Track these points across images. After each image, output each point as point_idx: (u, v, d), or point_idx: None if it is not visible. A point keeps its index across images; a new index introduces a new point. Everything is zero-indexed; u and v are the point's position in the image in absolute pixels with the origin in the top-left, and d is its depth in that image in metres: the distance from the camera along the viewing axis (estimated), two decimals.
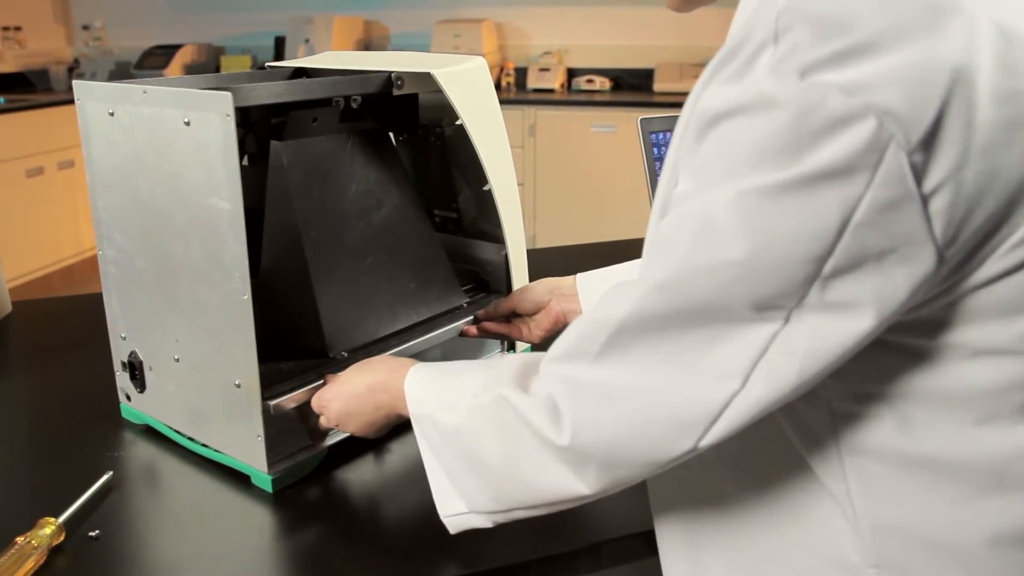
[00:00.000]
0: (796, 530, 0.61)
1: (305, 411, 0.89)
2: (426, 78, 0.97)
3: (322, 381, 0.89)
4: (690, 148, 0.53)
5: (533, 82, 4.06)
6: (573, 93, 4.05)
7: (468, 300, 1.12)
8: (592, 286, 1.02)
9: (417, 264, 1.06)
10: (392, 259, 1.03)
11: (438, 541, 0.76)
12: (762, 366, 0.53)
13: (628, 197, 3.59)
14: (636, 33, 4.12)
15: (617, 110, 3.70)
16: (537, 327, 1.05)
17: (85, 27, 4.78)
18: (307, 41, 4.10)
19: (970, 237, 0.49)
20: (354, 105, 0.99)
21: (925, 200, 0.47)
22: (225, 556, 0.79)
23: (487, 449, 0.66)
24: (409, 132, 1.16)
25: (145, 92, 0.85)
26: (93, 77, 4.27)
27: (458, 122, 1.00)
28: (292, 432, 0.90)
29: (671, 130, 1.57)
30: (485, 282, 1.18)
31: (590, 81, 4.07)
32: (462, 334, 1.07)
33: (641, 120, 1.55)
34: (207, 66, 4.52)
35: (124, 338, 0.99)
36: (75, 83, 0.93)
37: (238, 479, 0.89)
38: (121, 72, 4.43)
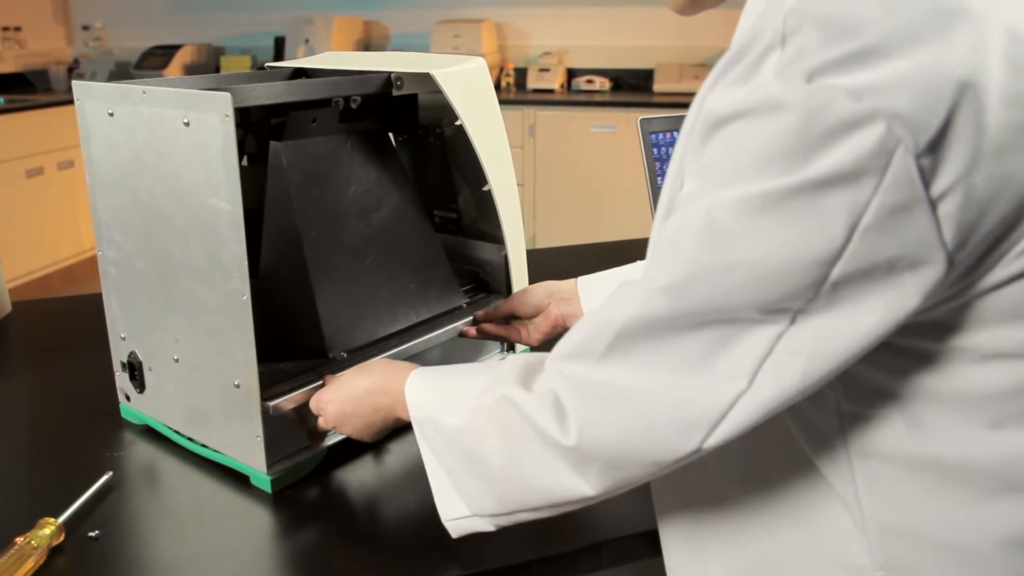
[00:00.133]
0: (802, 532, 0.61)
1: (304, 412, 0.89)
2: (426, 78, 0.97)
3: (321, 382, 0.89)
4: (695, 150, 0.53)
5: (533, 82, 4.06)
6: (573, 93, 4.05)
7: (468, 300, 1.12)
8: (593, 289, 1.02)
9: (417, 264, 1.06)
10: (392, 259, 1.03)
11: (438, 542, 0.76)
12: (768, 367, 0.52)
13: (628, 197, 3.59)
14: (636, 33, 4.12)
15: (617, 110, 3.70)
16: (536, 330, 1.05)
17: (85, 27, 4.78)
18: (307, 41, 4.10)
19: (980, 241, 0.49)
20: (354, 105, 0.99)
21: (934, 204, 0.47)
22: (225, 556, 0.79)
23: (490, 450, 0.65)
24: (409, 132, 1.16)
25: (145, 92, 0.85)
26: (93, 77, 4.27)
27: (458, 122, 1.00)
28: (291, 432, 0.90)
29: (671, 130, 1.57)
30: (485, 282, 1.18)
31: (590, 81, 4.07)
32: (461, 335, 1.07)
33: (641, 120, 1.55)
34: (207, 66, 4.52)
35: (124, 338, 0.99)
36: (75, 83, 0.93)
37: (237, 479, 0.89)
38: (121, 72, 4.43)
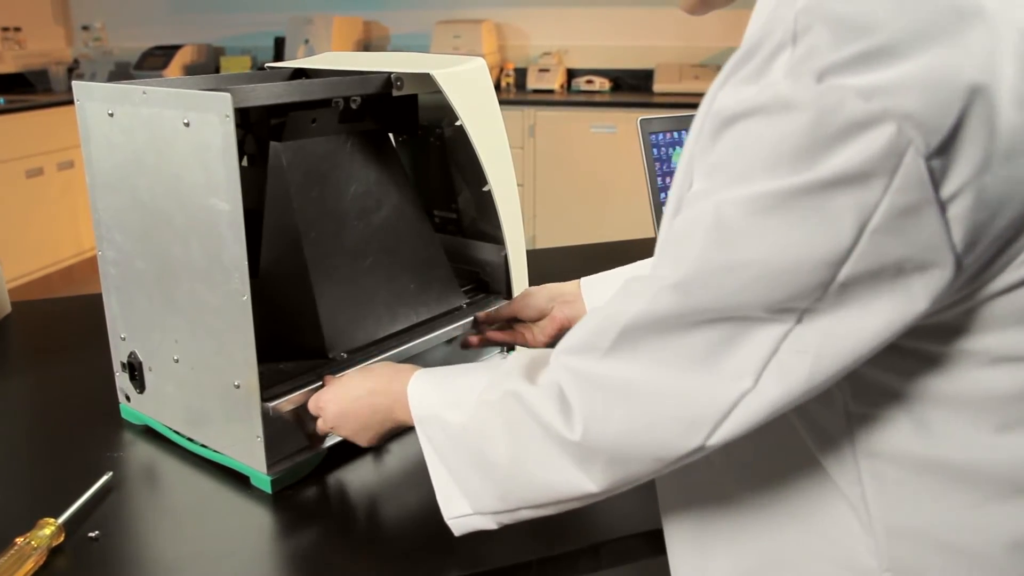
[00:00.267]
0: (808, 532, 0.61)
1: (303, 413, 0.89)
2: (426, 79, 0.97)
3: (321, 383, 0.89)
4: (705, 148, 0.53)
5: (533, 83, 4.06)
6: (573, 94, 4.05)
7: (467, 301, 1.12)
8: (596, 289, 1.02)
9: (417, 265, 1.06)
10: (392, 260, 1.03)
11: (438, 542, 0.76)
12: (773, 366, 0.52)
13: (628, 198, 3.59)
14: (636, 34, 4.12)
15: (617, 111, 3.70)
16: (541, 333, 1.04)
17: (85, 28, 4.78)
18: (307, 42, 4.10)
19: (990, 244, 0.49)
20: (353, 106, 0.99)
21: (944, 206, 0.47)
22: (225, 556, 0.79)
23: (494, 446, 0.65)
24: (409, 133, 1.16)
25: (145, 93, 0.85)
26: (93, 78, 4.27)
27: (458, 123, 1.00)
28: (291, 433, 0.90)
29: (671, 131, 1.57)
30: (485, 283, 1.18)
31: (590, 82, 4.07)
32: (464, 345, 1.07)
33: (641, 121, 1.55)
34: (207, 67, 4.52)
35: (124, 339, 0.99)
36: (75, 84, 0.93)
37: (237, 480, 0.89)
38: (121, 73, 4.43)
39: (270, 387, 0.87)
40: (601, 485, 0.61)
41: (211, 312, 0.86)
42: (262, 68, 1.14)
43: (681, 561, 0.71)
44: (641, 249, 1.65)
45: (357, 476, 0.91)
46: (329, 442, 0.92)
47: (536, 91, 4.04)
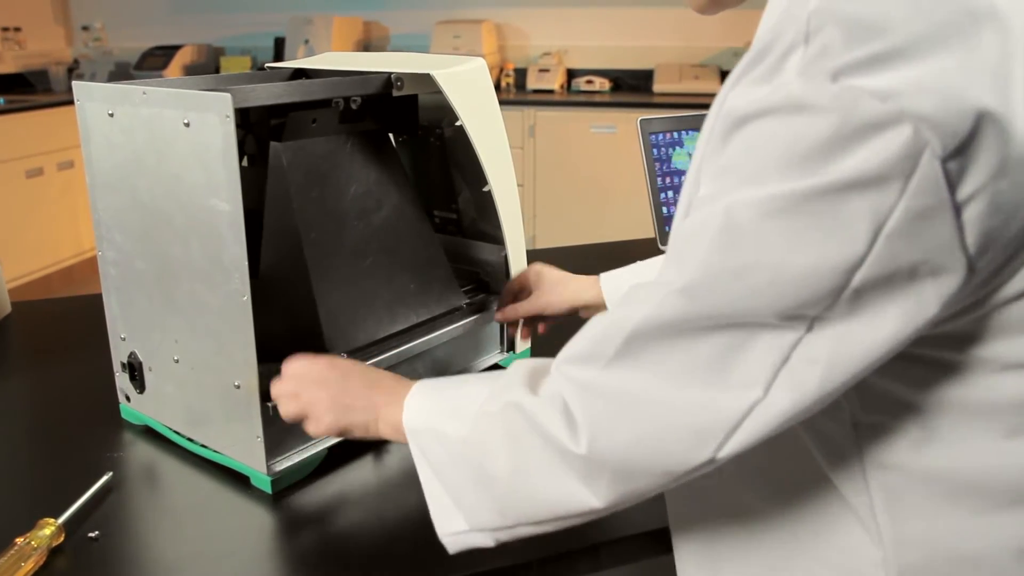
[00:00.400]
0: (817, 544, 0.60)
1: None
2: (426, 79, 0.97)
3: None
4: (715, 150, 0.52)
5: (533, 83, 4.06)
6: (573, 94, 4.05)
7: (467, 301, 1.12)
8: (614, 284, 1.01)
9: (417, 265, 1.06)
10: (392, 260, 1.03)
11: (438, 542, 0.76)
12: (784, 375, 0.51)
13: (628, 198, 3.59)
14: (636, 34, 4.12)
15: (617, 111, 3.70)
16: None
17: (85, 28, 4.77)
18: (307, 42, 4.10)
19: (1002, 248, 0.48)
20: (354, 106, 0.99)
21: (958, 209, 0.46)
22: (225, 556, 0.79)
23: (494, 459, 0.63)
24: (409, 133, 1.16)
25: (145, 93, 0.85)
26: (93, 78, 4.27)
27: (458, 123, 1.00)
28: (291, 433, 0.90)
29: (671, 131, 1.57)
30: (485, 283, 1.18)
31: (590, 82, 4.07)
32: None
33: (641, 121, 1.55)
34: (207, 67, 4.52)
35: (124, 339, 0.99)
36: (75, 84, 0.93)
37: (237, 480, 0.89)
38: (121, 73, 4.42)
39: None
40: (605, 500, 0.59)
41: (211, 312, 0.86)
42: (262, 68, 1.14)
43: (690, 570, 0.70)
44: (641, 249, 1.65)
45: (357, 476, 0.91)
46: (328, 443, 0.92)
47: (536, 91, 4.04)
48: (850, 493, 0.58)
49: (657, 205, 1.56)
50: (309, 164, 0.96)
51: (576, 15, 4.18)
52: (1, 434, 1.01)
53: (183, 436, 0.95)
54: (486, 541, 0.68)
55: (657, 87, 3.94)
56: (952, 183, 0.45)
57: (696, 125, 1.58)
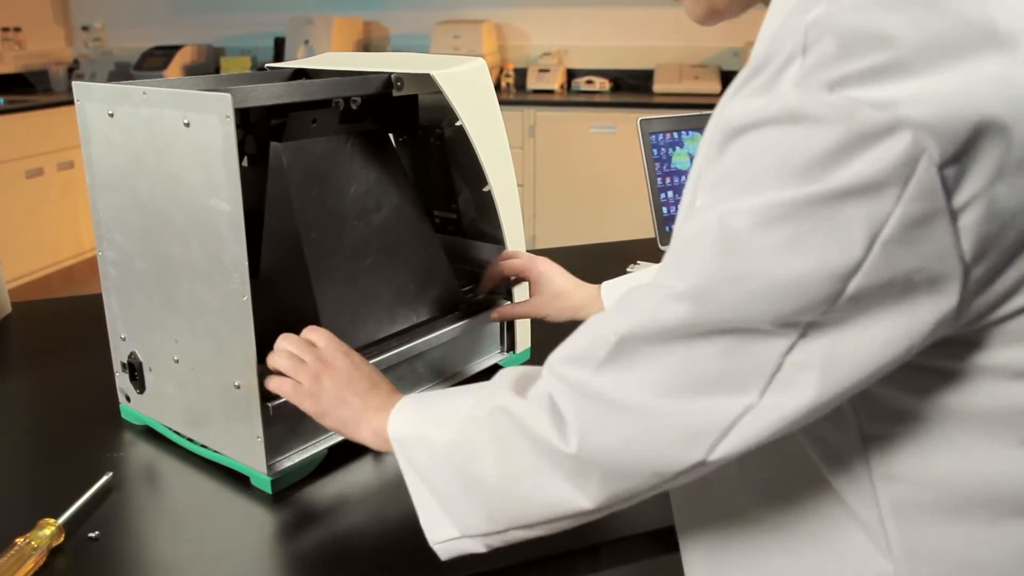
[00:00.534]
0: (824, 556, 0.60)
1: (303, 414, 0.89)
2: (426, 79, 0.97)
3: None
4: (712, 160, 0.52)
5: (533, 83, 4.06)
6: (573, 94, 4.05)
7: (467, 301, 1.12)
8: (617, 296, 1.01)
9: (417, 265, 1.06)
10: (392, 260, 1.03)
11: None
12: (779, 381, 0.51)
13: (628, 198, 3.59)
14: (636, 34, 4.12)
15: (617, 111, 3.70)
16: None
17: (85, 28, 4.78)
18: (307, 42, 4.10)
19: (999, 255, 0.48)
20: (354, 106, 0.99)
21: (955, 215, 0.46)
22: (225, 556, 0.79)
23: (481, 463, 0.63)
24: (409, 133, 1.16)
25: (145, 93, 0.85)
26: (93, 78, 4.27)
27: (458, 123, 1.00)
28: (292, 433, 0.90)
29: (671, 131, 1.57)
30: None
31: (590, 82, 4.07)
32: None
33: (641, 121, 1.55)
34: (207, 67, 4.52)
35: (124, 339, 0.99)
36: (75, 84, 0.93)
37: (238, 480, 0.89)
38: (121, 73, 4.43)
39: None
40: (596, 501, 0.58)
41: (211, 312, 0.86)
42: (262, 68, 1.14)
43: None
44: (641, 249, 1.65)
45: (357, 476, 0.91)
46: (329, 443, 0.92)
47: (536, 91, 4.04)
48: (858, 506, 0.57)
49: (657, 205, 1.56)
50: (309, 164, 0.96)
51: (576, 15, 4.18)
52: (1, 434, 1.01)
53: (183, 436, 0.95)
54: (477, 547, 0.67)
55: (657, 87, 3.95)
56: (949, 189, 0.45)
57: (696, 125, 1.58)
